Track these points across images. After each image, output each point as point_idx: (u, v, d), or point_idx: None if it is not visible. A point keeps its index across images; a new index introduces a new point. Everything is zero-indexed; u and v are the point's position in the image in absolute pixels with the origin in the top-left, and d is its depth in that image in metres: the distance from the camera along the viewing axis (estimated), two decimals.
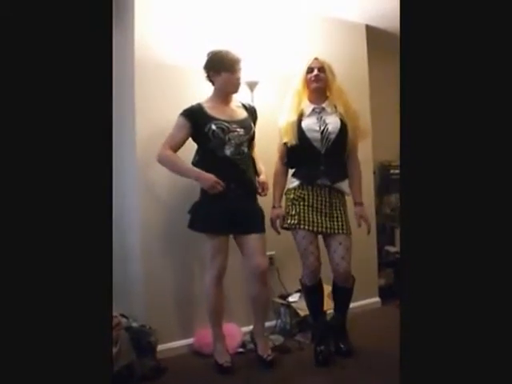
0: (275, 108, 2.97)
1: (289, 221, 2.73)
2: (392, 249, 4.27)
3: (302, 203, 2.70)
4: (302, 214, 2.69)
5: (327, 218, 2.70)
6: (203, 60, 2.72)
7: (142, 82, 2.87)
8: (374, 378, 2.46)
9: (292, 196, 2.75)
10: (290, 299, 3.24)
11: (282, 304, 3.24)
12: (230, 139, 2.61)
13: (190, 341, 2.97)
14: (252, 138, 2.78)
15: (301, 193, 2.72)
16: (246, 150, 2.69)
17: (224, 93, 2.71)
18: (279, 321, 3.24)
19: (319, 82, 2.72)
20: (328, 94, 2.79)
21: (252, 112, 2.84)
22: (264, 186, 2.79)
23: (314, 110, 2.75)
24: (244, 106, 2.83)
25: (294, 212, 2.71)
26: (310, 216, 2.69)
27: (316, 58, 2.76)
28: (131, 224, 2.97)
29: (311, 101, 2.78)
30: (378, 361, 2.65)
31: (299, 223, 2.68)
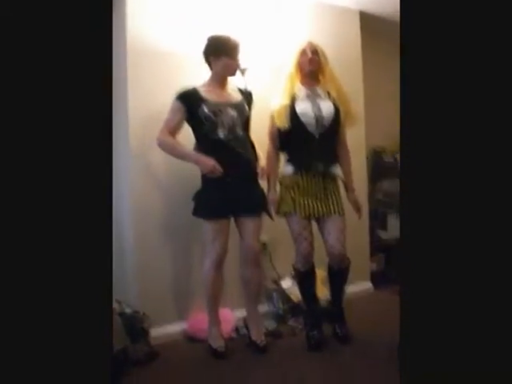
0: (266, 93, 2.95)
1: (284, 207, 2.73)
2: (384, 234, 4.29)
3: (296, 190, 2.71)
4: (296, 201, 2.70)
5: (322, 203, 2.71)
6: (196, 45, 2.70)
7: (135, 67, 2.84)
8: (367, 362, 2.48)
9: (286, 183, 2.75)
10: (283, 284, 3.25)
11: (275, 289, 3.26)
12: (222, 122, 2.60)
13: (183, 326, 2.99)
14: (247, 121, 2.76)
15: (295, 180, 2.72)
16: (240, 132, 2.67)
17: (222, 77, 2.70)
18: (272, 306, 3.26)
19: (313, 65, 2.72)
20: (320, 78, 2.79)
21: (247, 96, 2.82)
22: (263, 171, 2.78)
23: (307, 94, 2.74)
24: (240, 90, 2.82)
25: (289, 198, 2.71)
26: (305, 202, 2.69)
27: (310, 42, 2.75)
28: (125, 210, 2.96)
29: (304, 84, 2.77)
30: (371, 346, 2.67)
31: (294, 209, 2.68)
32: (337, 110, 2.74)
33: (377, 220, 4.26)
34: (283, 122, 2.72)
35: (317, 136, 2.70)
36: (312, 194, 2.71)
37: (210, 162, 2.54)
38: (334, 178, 2.80)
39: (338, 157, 2.83)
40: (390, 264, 4.21)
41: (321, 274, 3.06)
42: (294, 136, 2.74)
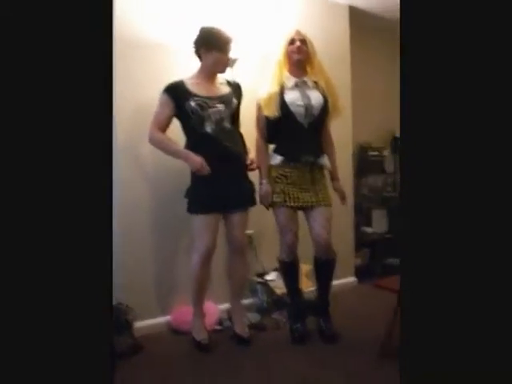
0: (254, 85, 2.94)
1: (273, 199, 2.71)
2: (368, 229, 4.32)
3: (284, 181, 2.70)
4: (286, 192, 2.68)
5: (310, 193, 2.70)
6: (185, 37, 2.67)
7: (123, 58, 2.80)
8: (351, 356, 2.50)
9: (275, 174, 2.73)
10: (268, 277, 3.26)
11: (259, 282, 3.26)
12: (209, 115, 2.58)
13: (167, 318, 2.98)
14: (234, 114, 2.73)
15: (284, 171, 2.70)
16: (228, 125, 2.65)
17: (211, 72, 2.68)
18: (256, 299, 3.27)
19: (301, 54, 2.69)
20: (308, 68, 2.77)
21: (235, 88, 2.79)
22: (253, 163, 2.75)
23: (296, 83, 2.72)
24: (228, 83, 2.79)
25: (278, 190, 2.70)
26: (294, 193, 2.68)
27: (298, 30, 2.72)
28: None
29: (292, 73, 2.75)
30: (355, 340, 2.69)
31: (283, 200, 2.68)
32: (326, 101, 2.72)
33: (361, 215, 4.29)
34: (272, 111, 2.68)
35: (306, 126, 2.69)
36: (300, 185, 2.70)
37: (198, 160, 2.53)
38: (321, 169, 2.80)
39: (323, 147, 2.84)
40: (375, 258, 4.24)
41: (305, 268, 3.08)
42: (282, 126, 2.71)
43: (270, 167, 2.76)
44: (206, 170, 2.53)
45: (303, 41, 2.69)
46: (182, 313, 2.92)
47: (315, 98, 2.71)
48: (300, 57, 2.69)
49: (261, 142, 2.81)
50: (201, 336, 2.68)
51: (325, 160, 2.80)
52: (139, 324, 2.79)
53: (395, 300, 2.40)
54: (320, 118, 2.73)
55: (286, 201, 2.68)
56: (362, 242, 4.18)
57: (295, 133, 2.70)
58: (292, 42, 2.69)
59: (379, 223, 4.41)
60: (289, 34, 2.72)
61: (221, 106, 2.62)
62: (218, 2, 3.12)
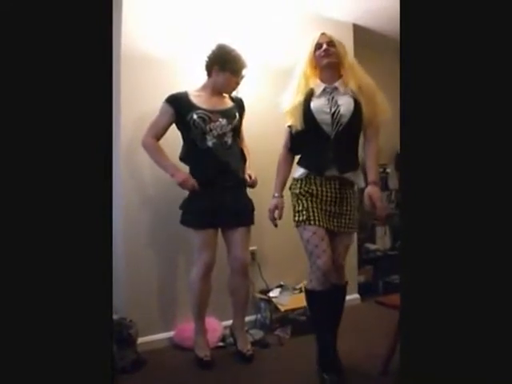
0: (260, 101, 2.95)
1: (296, 217, 2.39)
2: (372, 246, 4.31)
3: (309, 198, 2.37)
4: (310, 210, 2.35)
5: (336, 215, 2.40)
6: (189, 51, 2.69)
7: (128, 72, 2.84)
8: (353, 373, 2.47)
9: (298, 191, 2.41)
10: (271, 294, 3.26)
11: (263, 299, 3.26)
12: (211, 129, 2.59)
13: (170, 334, 2.97)
14: (237, 129, 2.74)
15: (308, 187, 2.39)
16: (229, 141, 2.66)
17: (219, 90, 2.71)
18: (259, 315, 3.26)
19: (330, 57, 2.39)
20: (342, 71, 2.45)
21: (238, 103, 2.82)
22: (251, 178, 2.76)
23: (325, 89, 2.41)
24: (231, 98, 2.81)
25: (301, 207, 2.37)
26: (319, 212, 2.35)
27: (323, 33, 2.44)
28: (114, 214, 2.94)
29: (323, 80, 2.44)
30: (357, 357, 2.66)
31: (308, 219, 2.33)
32: (358, 107, 2.36)
33: (365, 231, 4.28)
34: (295, 121, 2.41)
35: (332, 136, 2.35)
36: (327, 204, 2.38)
37: (181, 178, 2.56)
38: (351, 185, 2.47)
39: (357, 161, 2.48)
40: (378, 276, 4.22)
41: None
42: (306, 135, 2.42)
43: (293, 181, 2.48)
44: (190, 186, 2.56)
45: (330, 43, 2.41)
46: (184, 329, 2.91)
47: (345, 104, 2.36)
48: (329, 60, 2.39)
49: (283, 154, 2.57)
50: (203, 352, 2.66)
51: (355, 176, 2.45)
52: (142, 339, 2.78)
53: (397, 317, 2.38)
54: (350, 128, 2.36)
55: (310, 219, 2.33)
56: (365, 258, 4.17)
57: (320, 143, 2.39)
58: (319, 46, 2.41)
59: (382, 240, 4.40)
60: (313, 39, 2.45)
61: (223, 121, 2.64)
62: (225, 21, 3.16)
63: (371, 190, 2.33)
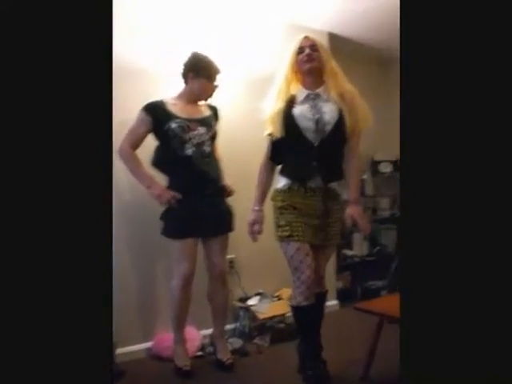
0: (235, 109, 2.95)
1: (279, 232, 2.31)
2: (349, 252, 4.34)
3: (293, 212, 2.29)
4: (294, 225, 2.27)
5: (320, 227, 2.34)
6: (171, 63, 2.68)
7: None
8: (333, 379, 2.45)
9: (280, 204, 2.32)
10: (250, 302, 3.26)
11: (241, 307, 3.25)
12: (190, 138, 2.59)
13: (148, 345, 2.95)
14: (215, 137, 2.75)
15: (291, 200, 2.30)
16: (208, 149, 2.66)
17: (194, 97, 2.71)
18: (238, 324, 3.25)
19: (313, 62, 2.28)
20: (324, 77, 2.34)
21: (215, 111, 2.82)
22: (227, 189, 2.75)
23: (307, 95, 2.31)
24: (207, 106, 2.81)
25: (283, 222, 2.29)
26: (303, 226, 2.27)
27: (306, 36, 2.34)
28: None
29: (305, 86, 2.35)
30: (337, 363, 2.65)
31: (292, 235, 2.26)
32: (342, 114, 2.27)
33: (343, 238, 4.30)
34: (276, 129, 2.31)
35: (316, 144, 2.28)
36: (309, 217, 2.30)
37: (157, 191, 2.55)
38: (335, 196, 2.38)
39: (342, 170, 2.38)
40: (356, 281, 4.25)
41: (288, 292, 3.06)
42: (288, 143, 2.33)
43: (275, 193, 2.39)
44: (166, 200, 2.54)
45: (314, 47, 2.30)
46: (163, 339, 2.89)
47: (329, 111, 2.28)
48: (312, 65, 2.29)
49: (263, 164, 2.45)
50: (182, 362, 2.65)
51: (339, 186, 2.38)
52: (121, 350, 2.76)
53: (376, 323, 2.41)
54: (334, 136, 2.28)
55: (293, 234, 2.25)
56: (343, 265, 4.19)
57: (303, 151, 2.30)
58: (301, 50, 2.31)
59: (360, 246, 4.43)
60: (295, 42, 2.34)
61: (202, 129, 2.64)
62: (202, 32, 3.16)
63: (352, 211, 2.30)
